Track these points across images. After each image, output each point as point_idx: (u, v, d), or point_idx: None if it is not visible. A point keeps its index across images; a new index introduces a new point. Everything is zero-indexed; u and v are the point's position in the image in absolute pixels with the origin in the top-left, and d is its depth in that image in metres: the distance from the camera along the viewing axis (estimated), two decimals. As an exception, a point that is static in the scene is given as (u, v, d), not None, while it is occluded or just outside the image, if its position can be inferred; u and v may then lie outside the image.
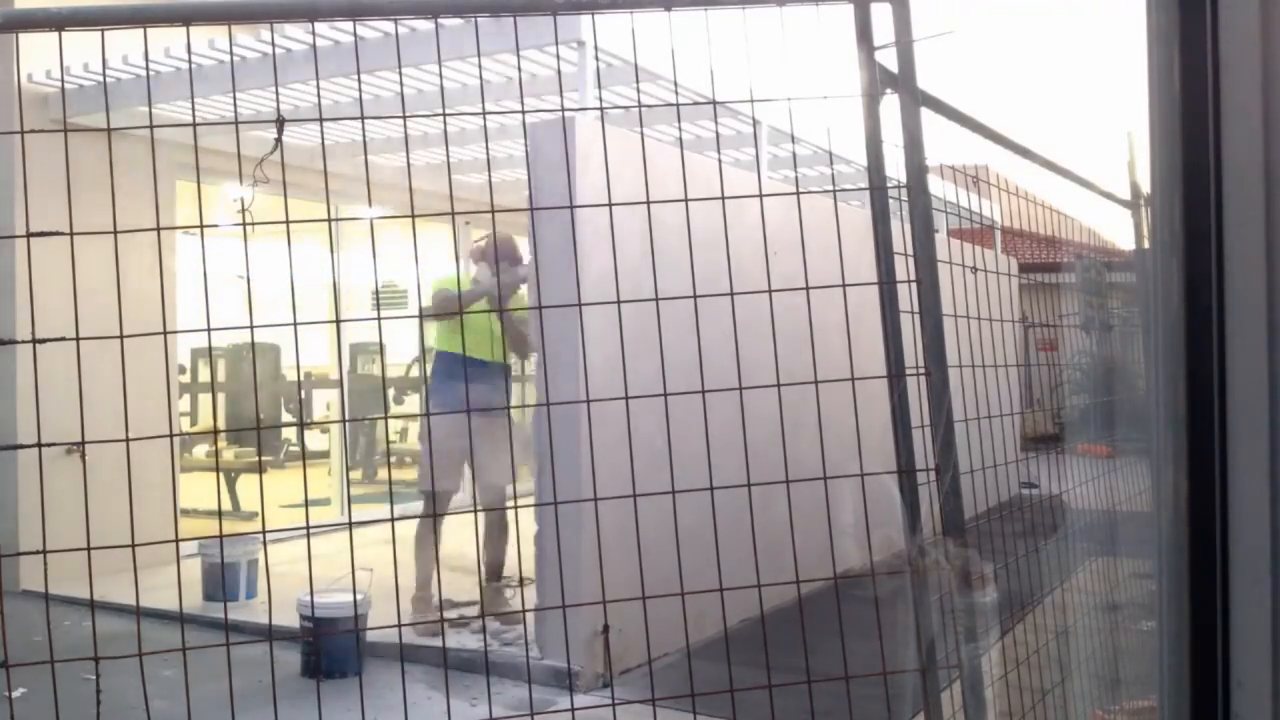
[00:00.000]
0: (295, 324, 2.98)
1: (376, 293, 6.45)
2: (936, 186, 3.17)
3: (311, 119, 3.23)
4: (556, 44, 5.12)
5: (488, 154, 9.13)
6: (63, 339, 2.79)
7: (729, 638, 5.34)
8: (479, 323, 5.92)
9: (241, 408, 12.75)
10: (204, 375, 12.90)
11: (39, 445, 2.79)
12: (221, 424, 12.32)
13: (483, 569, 6.03)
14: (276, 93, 4.93)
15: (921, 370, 2.69)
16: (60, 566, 3.04)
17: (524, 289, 6.16)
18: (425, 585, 5.99)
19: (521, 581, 5.91)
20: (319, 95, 7.17)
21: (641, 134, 3.30)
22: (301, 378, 9.68)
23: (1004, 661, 2.85)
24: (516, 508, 6.04)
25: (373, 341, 12.52)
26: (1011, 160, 4.00)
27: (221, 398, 12.98)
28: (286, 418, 12.82)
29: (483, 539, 6.15)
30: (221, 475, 9.13)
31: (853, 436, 2.89)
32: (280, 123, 3.27)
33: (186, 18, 2.85)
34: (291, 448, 12.90)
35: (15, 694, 4.33)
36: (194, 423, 12.62)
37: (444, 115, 6.75)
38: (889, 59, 2.74)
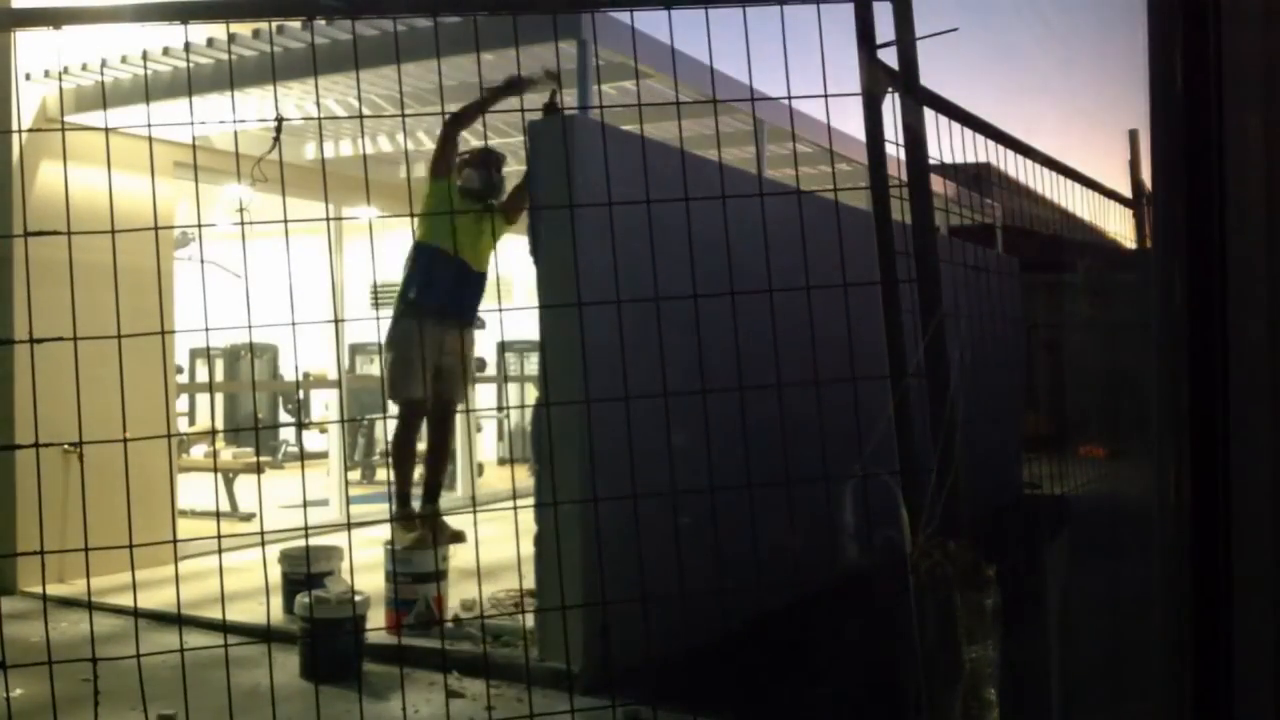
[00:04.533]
0: (294, 324, 2.98)
1: (375, 292, 6.43)
2: (937, 185, 3.17)
3: (311, 118, 3.23)
4: (556, 42, 5.11)
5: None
6: (60, 339, 2.79)
7: (729, 638, 5.34)
8: (471, 224, 5.77)
9: (241, 408, 12.76)
10: (202, 375, 12.89)
11: (36, 445, 2.79)
12: (221, 424, 12.33)
13: (422, 490, 6.05)
14: (275, 93, 4.92)
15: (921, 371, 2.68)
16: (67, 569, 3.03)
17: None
18: (405, 503, 6.02)
19: (521, 586, 5.93)
20: (318, 95, 7.16)
21: (641, 133, 3.29)
22: (300, 378, 9.66)
23: (1005, 662, 2.84)
24: (516, 508, 6.05)
25: (371, 342, 12.51)
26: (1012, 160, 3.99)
27: (220, 398, 12.99)
28: (285, 418, 12.81)
29: (424, 455, 6.15)
30: (220, 476, 9.11)
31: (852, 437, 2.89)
32: (279, 122, 3.27)
33: (185, 15, 2.84)
34: (290, 448, 12.89)
35: (14, 694, 4.32)
36: (192, 423, 12.59)
37: (443, 115, 6.74)
38: (890, 58, 2.74)
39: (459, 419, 7.21)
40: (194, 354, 12.79)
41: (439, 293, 5.72)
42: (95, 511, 3.06)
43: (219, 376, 13.00)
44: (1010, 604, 2.73)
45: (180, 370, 12.69)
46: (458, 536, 5.82)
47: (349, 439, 11.55)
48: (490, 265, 5.98)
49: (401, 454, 6.03)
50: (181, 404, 12.83)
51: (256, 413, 9.67)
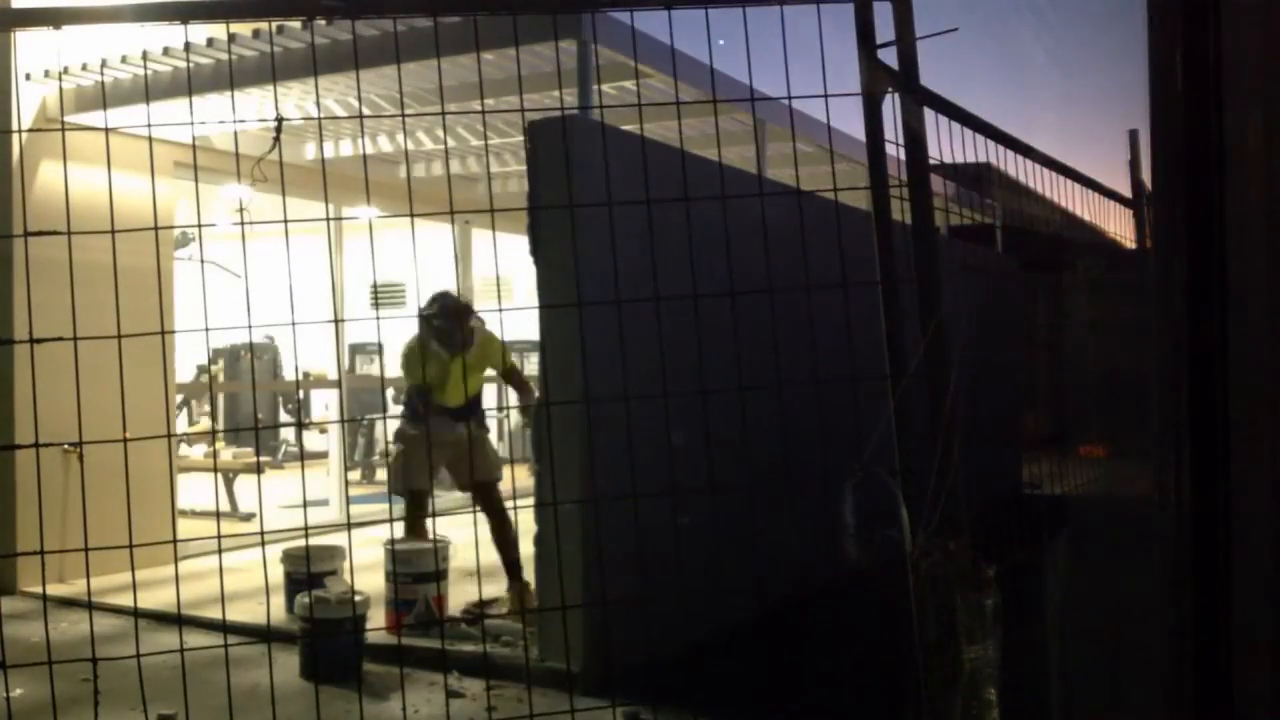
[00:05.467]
0: (294, 324, 2.97)
1: (375, 292, 6.44)
2: (937, 185, 3.17)
3: (311, 118, 3.23)
4: (556, 41, 5.11)
5: (487, 153, 9.12)
6: (60, 339, 2.78)
7: (729, 639, 5.34)
8: (448, 375, 6.16)
9: (240, 408, 12.75)
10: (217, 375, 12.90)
11: (36, 445, 2.78)
12: (222, 424, 12.32)
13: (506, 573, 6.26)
14: (275, 93, 4.92)
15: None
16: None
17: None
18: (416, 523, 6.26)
19: (524, 586, 5.96)
20: (318, 95, 7.16)
21: (641, 132, 3.29)
22: (300, 378, 9.66)
23: (1005, 662, 2.84)
24: (516, 508, 6.09)
25: (371, 342, 12.51)
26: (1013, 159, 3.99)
27: (220, 397, 12.99)
28: (285, 419, 12.81)
29: (492, 538, 6.34)
30: (220, 476, 9.10)
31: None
32: (279, 122, 3.26)
33: (185, 15, 2.84)
34: (290, 448, 12.89)
35: (14, 694, 4.32)
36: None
37: (443, 114, 6.74)
38: (890, 58, 2.73)
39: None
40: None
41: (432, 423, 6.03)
42: (95, 511, 3.06)
43: (220, 377, 13.01)
44: (1010, 603, 2.73)
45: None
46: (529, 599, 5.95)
47: (349, 439, 11.55)
48: (480, 385, 6.56)
49: (410, 533, 6.30)
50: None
51: (256, 413, 9.66)
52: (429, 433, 5.80)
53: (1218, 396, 1.31)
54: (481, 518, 6.02)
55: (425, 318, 6.16)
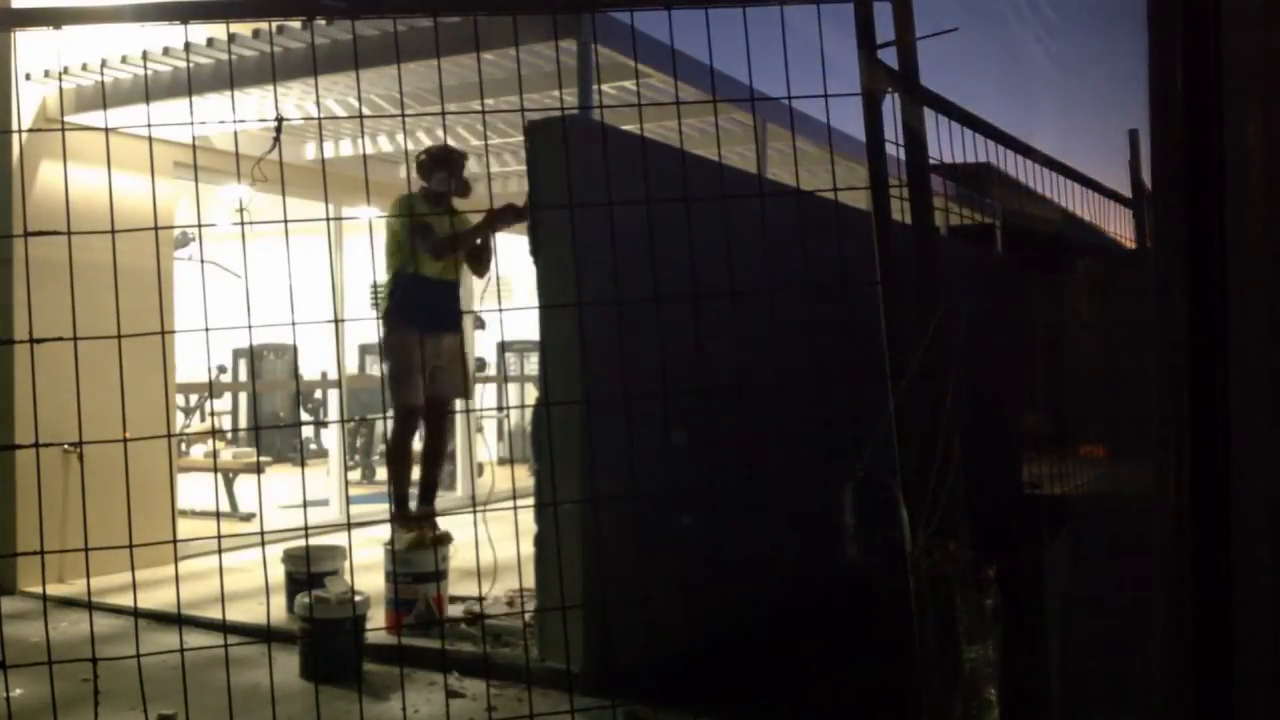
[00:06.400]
0: (294, 324, 2.98)
1: (375, 292, 6.43)
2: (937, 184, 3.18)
3: (311, 118, 3.23)
4: (556, 41, 5.11)
5: (487, 153, 9.12)
6: (60, 339, 2.79)
7: (729, 638, 5.34)
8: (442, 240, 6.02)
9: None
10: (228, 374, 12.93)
11: (36, 445, 2.79)
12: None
13: (417, 489, 6.25)
14: (275, 93, 4.92)
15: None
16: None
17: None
18: (403, 504, 6.18)
19: (521, 588, 5.94)
20: (318, 95, 7.16)
21: (641, 133, 3.29)
22: (304, 378, 9.66)
23: (1005, 662, 2.84)
24: (516, 508, 6.06)
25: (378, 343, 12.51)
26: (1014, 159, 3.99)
27: (228, 396, 13.02)
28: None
29: (420, 454, 6.36)
30: (220, 476, 9.11)
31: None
32: (279, 122, 3.27)
33: (185, 15, 2.84)
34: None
35: (14, 694, 4.32)
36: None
37: (443, 114, 6.74)
38: (890, 58, 2.73)
39: (460, 420, 7.38)
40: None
41: (419, 312, 5.99)
42: (95, 511, 3.06)
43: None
44: (1010, 603, 2.73)
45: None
46: (443, 539, 5.87)
47: (349, 439, 11.54)
48: (460, 271, 6.35)
49: (397, 456, 6.21)
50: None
51: (257, 413, 9.66)
52: (422, 340, 5.76)
53: (1218, 396, 1.31)
54: (481, 517, 6.01)
55: (419, 165, 6.16)
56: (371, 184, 3.48)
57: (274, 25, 5.88)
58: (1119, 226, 6.80)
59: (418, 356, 5.85)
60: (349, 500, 9.19)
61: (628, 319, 3.62)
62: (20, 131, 6.98)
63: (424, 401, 6.08)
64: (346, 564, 5.81)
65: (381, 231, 6.45)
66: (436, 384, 6.16)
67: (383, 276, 6.22)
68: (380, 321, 6.10)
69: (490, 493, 7.04)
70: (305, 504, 3.87)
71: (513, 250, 6.71)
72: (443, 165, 6.18)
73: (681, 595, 4.65)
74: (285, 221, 2.94)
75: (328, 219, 6.13)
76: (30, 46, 7.08)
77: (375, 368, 13.18)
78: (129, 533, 3.04)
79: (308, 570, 5.49)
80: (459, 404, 6.57)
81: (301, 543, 5.29)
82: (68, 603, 6.36)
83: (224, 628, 3.66)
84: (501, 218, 5.98)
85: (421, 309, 5.99)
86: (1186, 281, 1.34)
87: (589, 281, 4.40)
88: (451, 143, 6.23)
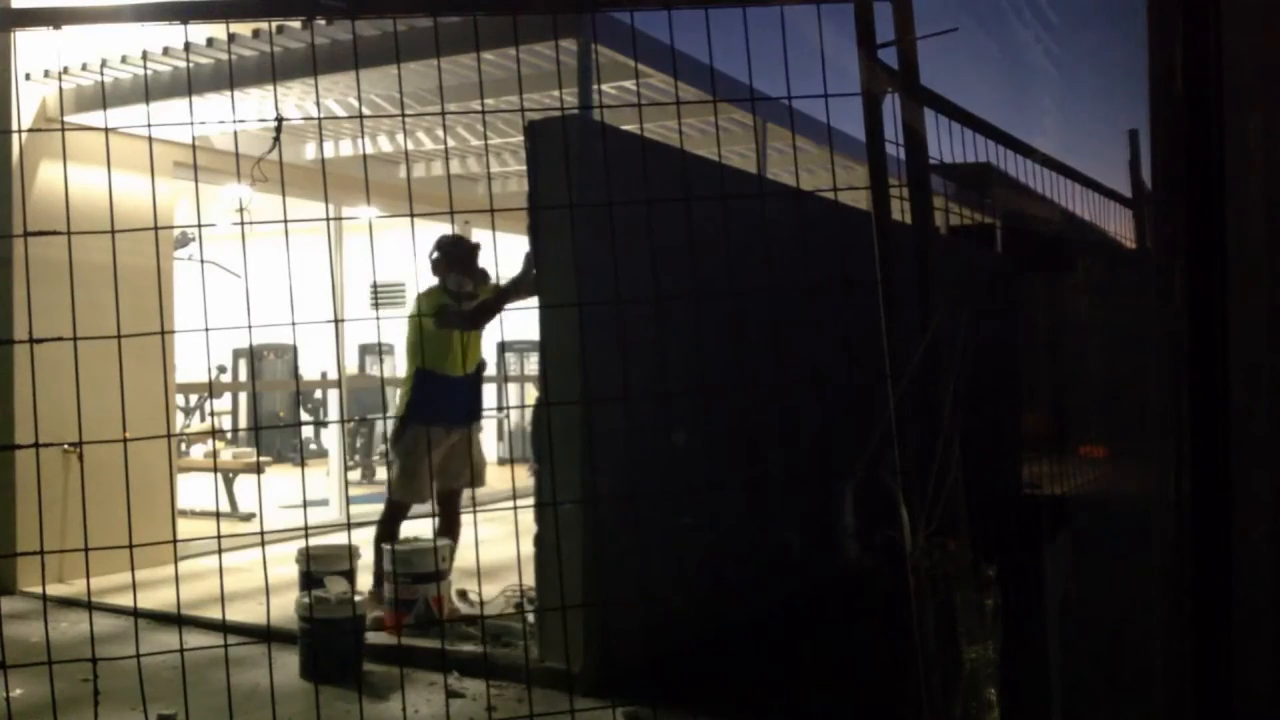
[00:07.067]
0: (294, 324, 2.98)
1: (375, 292, 6.43)
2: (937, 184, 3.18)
3: (311, 118, 3.23)
4: (556, 41, 5.11)
5: (487, 153, 9.12)
6: (60, 339, 2.79)
7: (729, 638, 5.34)
8: (451, 339, 5.96)
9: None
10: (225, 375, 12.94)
11: (36, 445, 2.78)
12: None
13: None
14: (275, 93, 4.92)
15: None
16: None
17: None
18: (380, 583, 6.05)
19: (522, 587, 5.94)
20: (318, 95, 7.16)
21: (641, 133, 3.29)
22: (304, 378, 9.66)
23: (1005, 662, 2.84)
24: (516, 508, 6.05)
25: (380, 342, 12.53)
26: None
27: (226, 397, 13.03)
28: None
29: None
30: (220, 476, 9.11)
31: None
32: (279, 122, 3.27)
33: (185, 15, 2.84)
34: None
35: (14, 694, 4.32)
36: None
37: (443, 114, 6.74)
38: (890, 58, 2.73)
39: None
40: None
41: (440, 407, 5.91)
42: (95, 511, 3.06)
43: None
44: (1010, 603, 2.73)
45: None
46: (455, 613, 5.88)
47: (349, 439, 11.55)
48: (479, 355, 6.19)
49: (383, 536, 6.06)
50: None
51: (257, 413, 9.66)
52: (429, 441, 5.71)
53: (1218, 396, 1.31)
54: (482, 517, 6.01)
55: (433, 264, 5.91)
56: (371, 184, 3.48)
57: (274, 25, 5.88)
58: (1119, 226, 6.80)
59: (425, 458, 5.81)
60: (349, 500, 9.19)
61: (628, 319, 3.62)
62: (20, 131, 6.98)
63: (435, 492, 6.06)
64: (358, 563, 5.82)
65: (381, 231, 6.44)
66: (448, 474, 6.10)
67: (382, 277, 6.17)
68: (396, 419, 6.00)
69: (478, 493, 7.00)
70: (305, 504, 3.87)
71: (513, 250, 6.71)
72: (456, 264, 5.99)
73: (681, 595, 4.65)
74: (285, 221, 2.94)
75: (328, 219, 6.13)
76: (30, 46, 7.08)
77: (375, 368, 13.20)
78: (129, 533, 3.04)
79: (308, 570, 5.48)
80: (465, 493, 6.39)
81: (316, 542, 5.29)
82: (68, 603, 6.36)
83: (224, 628, 3.66)
84: (516, 291, 5.81)
85: (443, 408, 5.92)
86: (1186, 281, 1.34)
87: (588, 281, 4.39)
88: (458, 232, 5.92)
